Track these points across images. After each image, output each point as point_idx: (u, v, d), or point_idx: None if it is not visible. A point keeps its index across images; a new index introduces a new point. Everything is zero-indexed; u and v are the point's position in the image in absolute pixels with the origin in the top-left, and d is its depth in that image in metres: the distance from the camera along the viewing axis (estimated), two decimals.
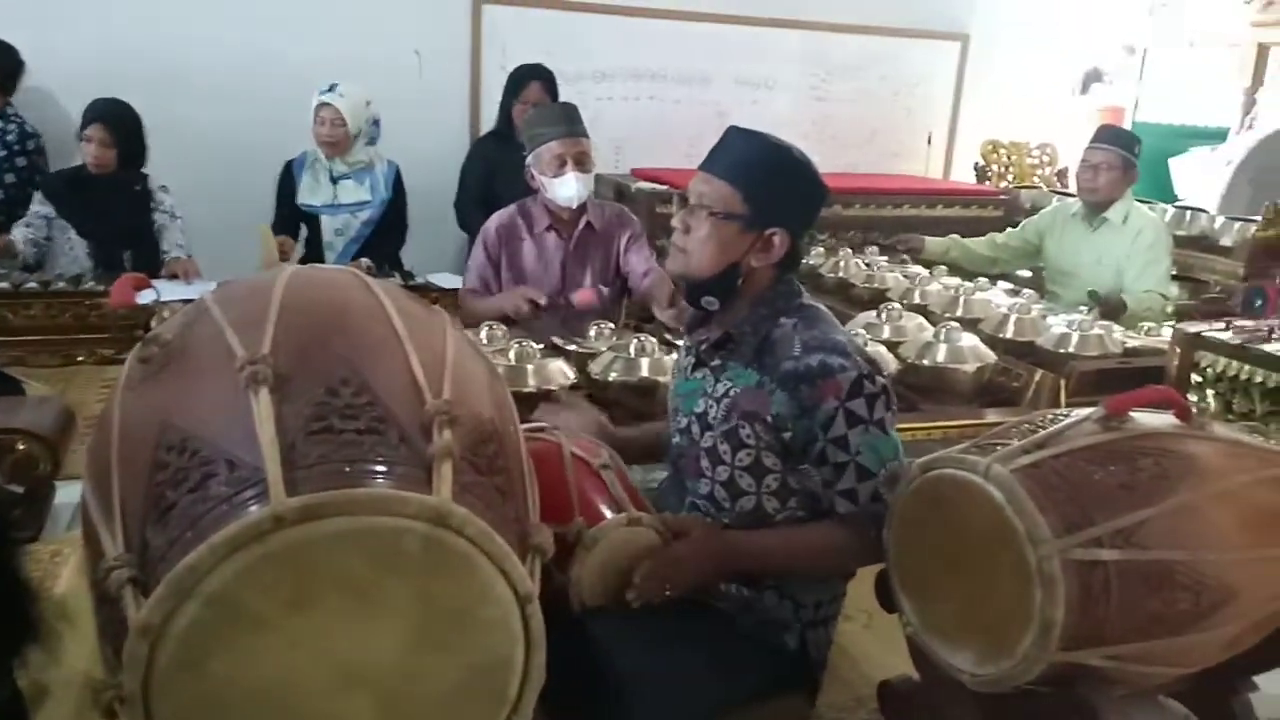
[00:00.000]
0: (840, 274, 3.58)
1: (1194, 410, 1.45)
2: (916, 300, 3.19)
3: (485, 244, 2.95)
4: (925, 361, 2.54)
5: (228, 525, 0.88)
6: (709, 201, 1.54)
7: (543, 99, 3.77)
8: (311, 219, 3.59)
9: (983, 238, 4.02)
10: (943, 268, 3.54)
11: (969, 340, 2.59)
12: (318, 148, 3.54)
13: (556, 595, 1.42)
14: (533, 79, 3.83)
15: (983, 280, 3.35)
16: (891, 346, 2.59)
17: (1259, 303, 3.44)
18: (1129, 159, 3.54)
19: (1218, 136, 6.30)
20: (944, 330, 2.59)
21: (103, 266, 3.22)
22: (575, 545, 1.43)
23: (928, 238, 3.95)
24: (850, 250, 3.81)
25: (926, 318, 2.91)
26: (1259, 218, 3.90)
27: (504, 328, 2.41)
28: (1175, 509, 1.26)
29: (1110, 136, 3.66)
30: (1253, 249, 3.88)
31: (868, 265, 3.61)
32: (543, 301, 2.79)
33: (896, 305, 2.89)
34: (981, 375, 2.55)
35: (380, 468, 0.95)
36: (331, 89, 3.44)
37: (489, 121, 4.24)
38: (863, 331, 2.63)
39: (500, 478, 1.06)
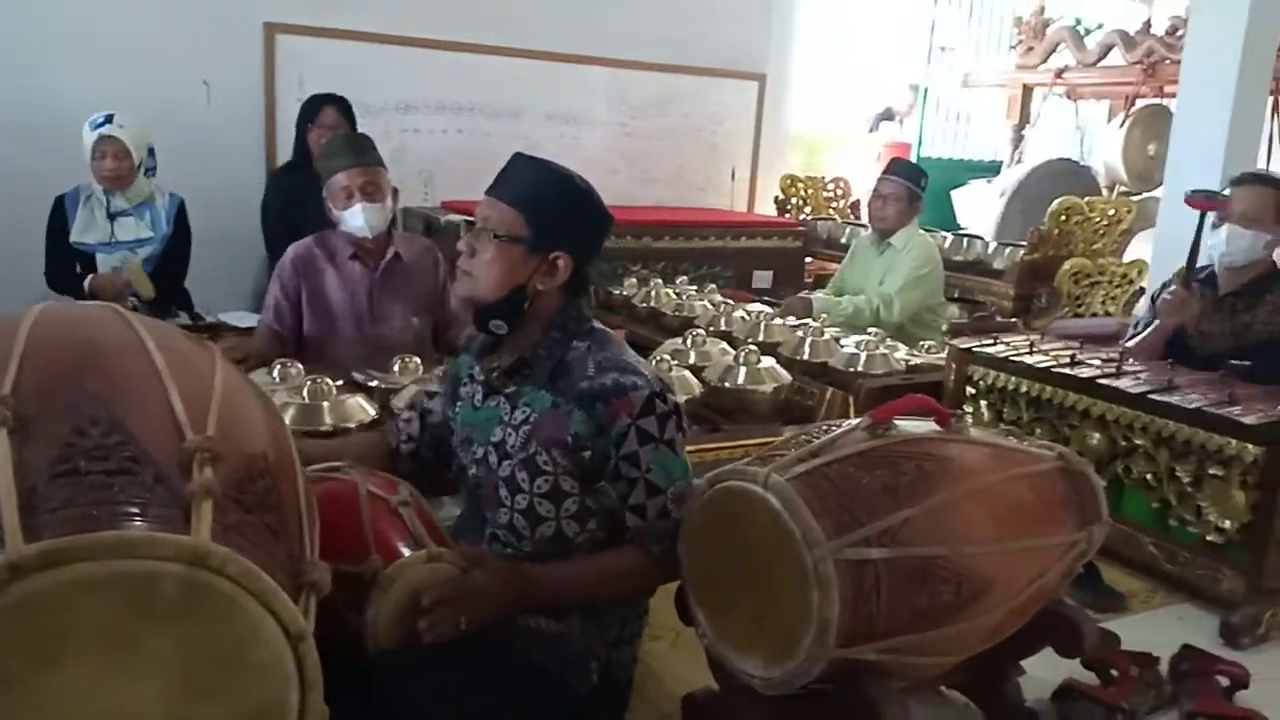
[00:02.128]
0: (652, 303, 3.69)
1: (953, 416, 1.57)
2: (722, 327, 3.32)
3: (281, 277, 2.85)
4: (727, 384, 2.65)
5: None
6: (493, 225, 1.57)
7: (339, 124, 3.70)
8: (87, 257, 3.32)
9: (836, 296, 3.97)
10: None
11: (767, 363, 2.71)
12: (94, 183, 3.30)
13: (352, 637, 1.38)
14: (327, 104, 3.75)
15: None
16: (696, 371, 2.68)
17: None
18: (915, 191, 3.81)
19: (993, 170, 6.89)
20: (744, 354, 2.70)
21: None
22: (371, 585, 1.39)
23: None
24: (660, 281, 3.94)
25: (730, 343, 3.03)
26: (1026, 242, 4.29)
27: (299, 365, 2.33)
28: (934, 507, 1.36)
29: (899, 169, 3.95)
30: (1021, 271, 4.26)
31: (678, 295, 3.73)
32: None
33: (701, 331, 3.00)
34: (779, 395, 2.67)
35: (134, 509, 0.90)
36: (108, 121, 3.22)
37: (285, 154, 4.11)
38: (669, 357, 2.70)
39: (272, 515, 1.03)
